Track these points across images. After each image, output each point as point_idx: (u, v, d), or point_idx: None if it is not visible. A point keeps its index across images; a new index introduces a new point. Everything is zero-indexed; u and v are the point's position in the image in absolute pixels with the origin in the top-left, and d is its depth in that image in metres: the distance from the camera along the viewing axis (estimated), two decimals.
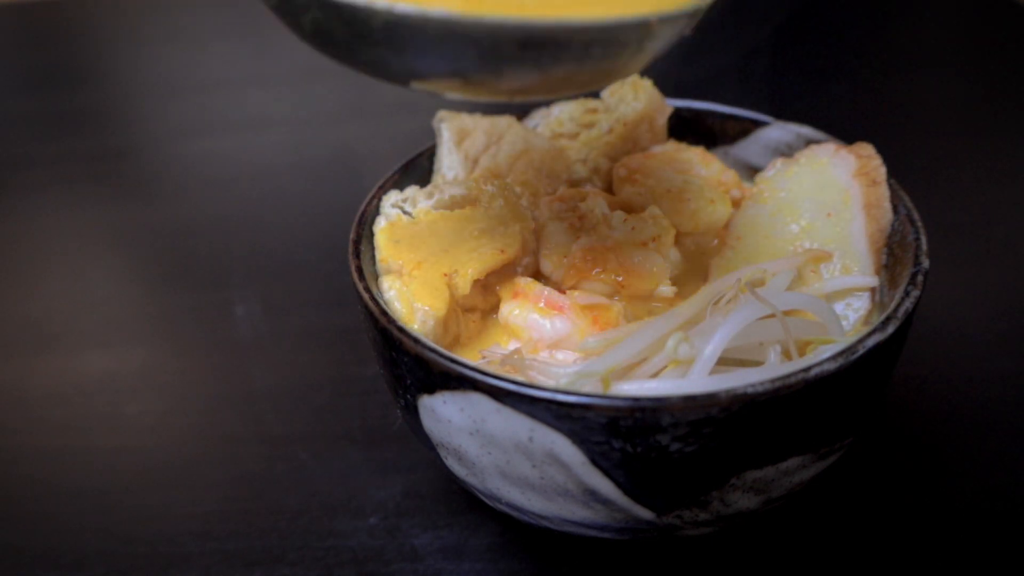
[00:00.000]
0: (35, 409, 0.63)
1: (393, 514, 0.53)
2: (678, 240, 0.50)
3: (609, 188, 0.56)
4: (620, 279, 0.48)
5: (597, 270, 0.48)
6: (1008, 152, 0.87)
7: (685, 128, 0.59)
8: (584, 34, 0.33)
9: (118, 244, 0.84)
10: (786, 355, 0.42)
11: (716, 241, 0.52)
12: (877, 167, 0.49)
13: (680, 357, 0.40)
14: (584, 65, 0.35)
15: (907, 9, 1.22)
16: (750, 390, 0.36)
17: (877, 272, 0.48)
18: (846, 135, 0.52)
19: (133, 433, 0.61)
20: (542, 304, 0.46)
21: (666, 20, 0.35)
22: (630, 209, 0.51)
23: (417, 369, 0.41)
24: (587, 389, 0.39)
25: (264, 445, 0.59)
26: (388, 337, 0.42)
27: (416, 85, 0.38)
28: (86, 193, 0.92)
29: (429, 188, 0.53)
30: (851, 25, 1.17)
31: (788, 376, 0.36)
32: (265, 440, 0.59)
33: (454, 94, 0.39)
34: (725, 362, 0.41)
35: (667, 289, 0.48)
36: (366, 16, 0.32)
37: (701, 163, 0.55)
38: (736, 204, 0.53)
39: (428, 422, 0.43)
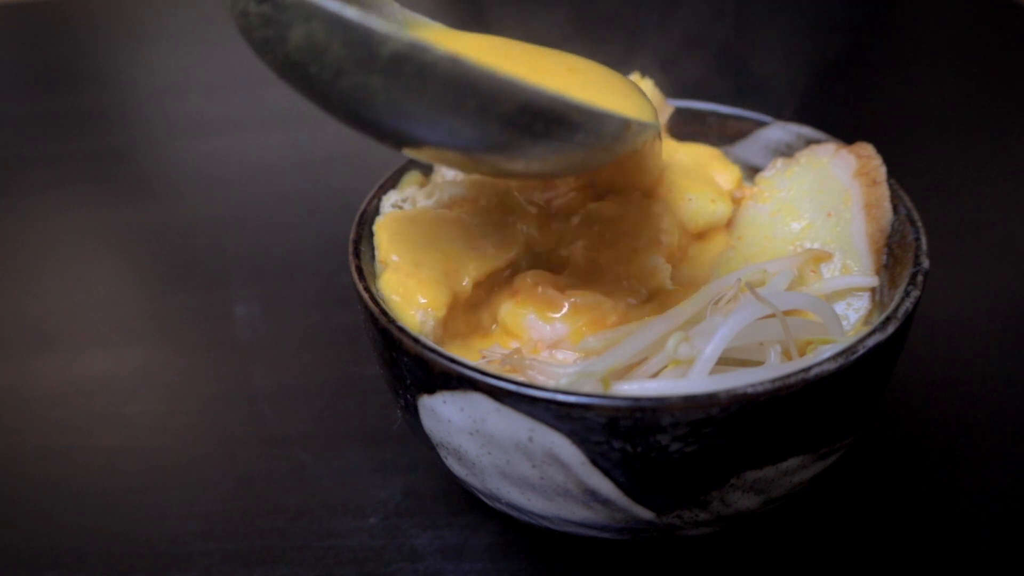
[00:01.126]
0: (35, 409, 0.63)
1: (393, 514, 0.53)
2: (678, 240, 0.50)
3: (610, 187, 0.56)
4: (620, 279, 0.48)
5: (596, 271, 0.48)
6: (1008, 152, 0.87)
7: (685, 128, 0.59)
8: (579, 114, 0.35)
9: (118, 244, 0.84)
10: (786, 355, 0.42)
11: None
12: (877, 167, 0.49)
13: (680, 357, 0.40)
14: (562, 148, 0.36)
15: (907, 9, 1.22)
16: (750, 390, 0.36)
17: (877, 272, 0.47)
18: (846, 135, 0.52)
19: (133, 433, 0.61)
20: (542, 304, 0.46)
21: (640, 125, 0.38)
22: (630, 209, 0.51)
23: (417, 369, 0.41)
24: (587, 389, 0.39)
25: (264, 445, 0.59)
26: (388, 337, 0.42)
27: (405, 148, 0.38)
28: (86, 193, 0.92)
29: (429, 188, 0.53)
30: (851, 25, 1.17)
31: (788, 376, 0.36)
32: (265, 440, 0.59)
33: (427, 155, 0.40)
34: (725, 362, 0.41)
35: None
36: (379, 41, 0.31)
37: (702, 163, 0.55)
38: (736, 204, 0.53)
39: (428, 422, 0.43)
